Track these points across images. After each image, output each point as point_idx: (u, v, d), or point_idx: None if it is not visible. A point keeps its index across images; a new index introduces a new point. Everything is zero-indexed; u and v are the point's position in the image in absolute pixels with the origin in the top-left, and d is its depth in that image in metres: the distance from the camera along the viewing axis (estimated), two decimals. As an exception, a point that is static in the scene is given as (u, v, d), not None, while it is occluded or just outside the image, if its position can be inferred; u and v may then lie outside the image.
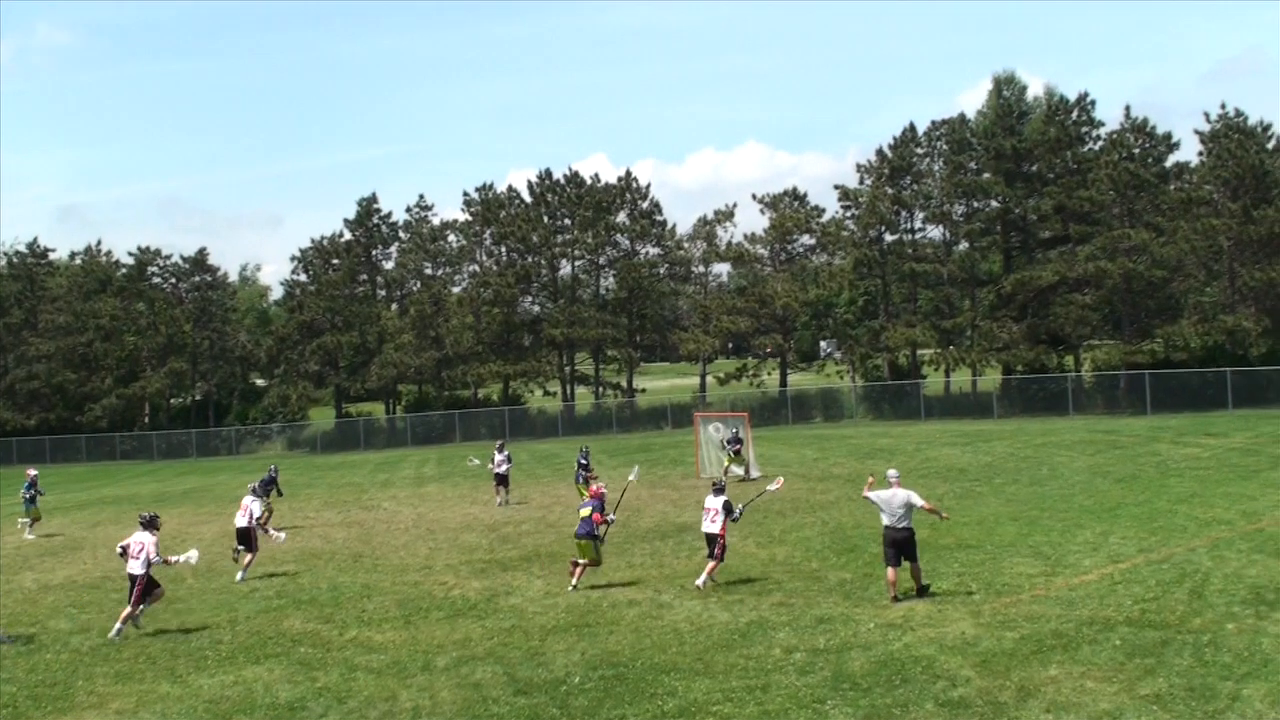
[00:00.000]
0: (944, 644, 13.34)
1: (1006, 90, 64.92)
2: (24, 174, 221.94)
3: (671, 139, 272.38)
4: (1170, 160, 55.04)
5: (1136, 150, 54.27)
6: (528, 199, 69.39)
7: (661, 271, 69.02)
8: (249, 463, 61.24)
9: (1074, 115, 57.19)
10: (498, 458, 31.99)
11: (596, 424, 65.14)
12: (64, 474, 60.42)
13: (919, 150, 60.30)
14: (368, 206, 75.53)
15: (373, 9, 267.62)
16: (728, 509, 17.94)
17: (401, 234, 76.35)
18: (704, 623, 15.34)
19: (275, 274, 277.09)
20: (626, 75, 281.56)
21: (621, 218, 68.10)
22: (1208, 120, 53.30)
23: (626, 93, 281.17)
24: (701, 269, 70.47)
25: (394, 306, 77.25)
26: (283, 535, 23.85)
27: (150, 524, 17.30)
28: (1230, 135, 51.75)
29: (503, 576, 20.06)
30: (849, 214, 62.53)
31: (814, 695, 11.80)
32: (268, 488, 28.69)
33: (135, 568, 16.88)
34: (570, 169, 68.74)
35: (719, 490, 18.44)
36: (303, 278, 75.08)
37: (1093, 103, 56.74)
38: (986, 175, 58.34)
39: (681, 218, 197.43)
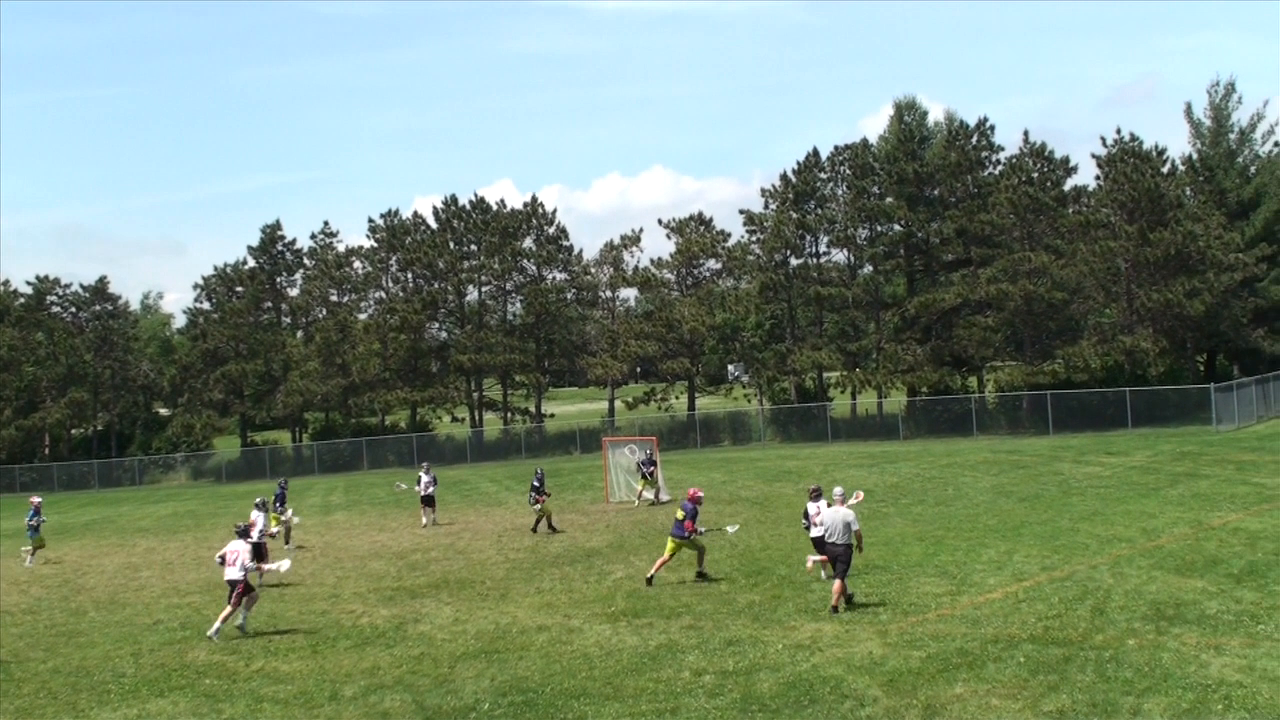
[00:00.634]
0: (851, 664, 13.41)
1: (908, 116, 65.72)
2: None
3: (577, 165, 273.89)
4: (1068, 184, 56.55)
5: (1035, 174, 55.46)
6: (433, 225, 69.07)
7: (569, 296, 68.98)
8: (152, 493, 59.92)
9: (974, 140, 58.32)
10: (424, 479, 32.22)
11: (505, 449, 64.81)
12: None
13: (822, 175, 60.98)
14: (272, 233, 74.93)
15: (276, 35, 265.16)
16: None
17: (306, 261, 75.83)
18: (613, 647, 15.27)
19: (178, 302, 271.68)
20: (531, 101, 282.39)
21: (528, 243, 67.97)
22: (1104, 145, 54.59)
23: (532, 119, 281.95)
24: (609, 294, 70.44)
25: (299, 334, 76.53)
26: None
27: (244, 534, 18.85)
28: (1126, 159, 52.91)
29: (411, 604, 19.82)
30: (754, 238, 63.22)
31: (723, 717, 11.79)
32: (281, 501, 29.41)
33: (233, 574, 17.95)
34: (476, 195, 68.72)
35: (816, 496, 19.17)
36: (206, 305, 74.44)
37: (992, 128, 58.11)
38: (889, 199, 59.16)
39: (588, 243, 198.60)
